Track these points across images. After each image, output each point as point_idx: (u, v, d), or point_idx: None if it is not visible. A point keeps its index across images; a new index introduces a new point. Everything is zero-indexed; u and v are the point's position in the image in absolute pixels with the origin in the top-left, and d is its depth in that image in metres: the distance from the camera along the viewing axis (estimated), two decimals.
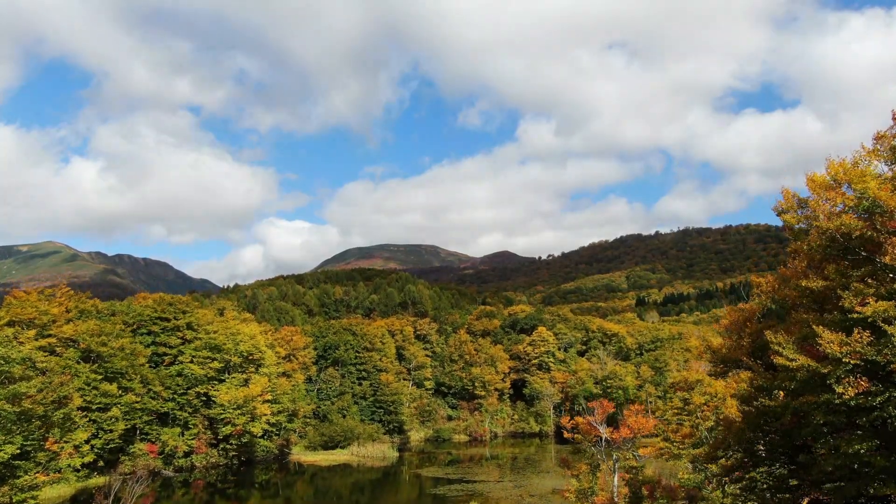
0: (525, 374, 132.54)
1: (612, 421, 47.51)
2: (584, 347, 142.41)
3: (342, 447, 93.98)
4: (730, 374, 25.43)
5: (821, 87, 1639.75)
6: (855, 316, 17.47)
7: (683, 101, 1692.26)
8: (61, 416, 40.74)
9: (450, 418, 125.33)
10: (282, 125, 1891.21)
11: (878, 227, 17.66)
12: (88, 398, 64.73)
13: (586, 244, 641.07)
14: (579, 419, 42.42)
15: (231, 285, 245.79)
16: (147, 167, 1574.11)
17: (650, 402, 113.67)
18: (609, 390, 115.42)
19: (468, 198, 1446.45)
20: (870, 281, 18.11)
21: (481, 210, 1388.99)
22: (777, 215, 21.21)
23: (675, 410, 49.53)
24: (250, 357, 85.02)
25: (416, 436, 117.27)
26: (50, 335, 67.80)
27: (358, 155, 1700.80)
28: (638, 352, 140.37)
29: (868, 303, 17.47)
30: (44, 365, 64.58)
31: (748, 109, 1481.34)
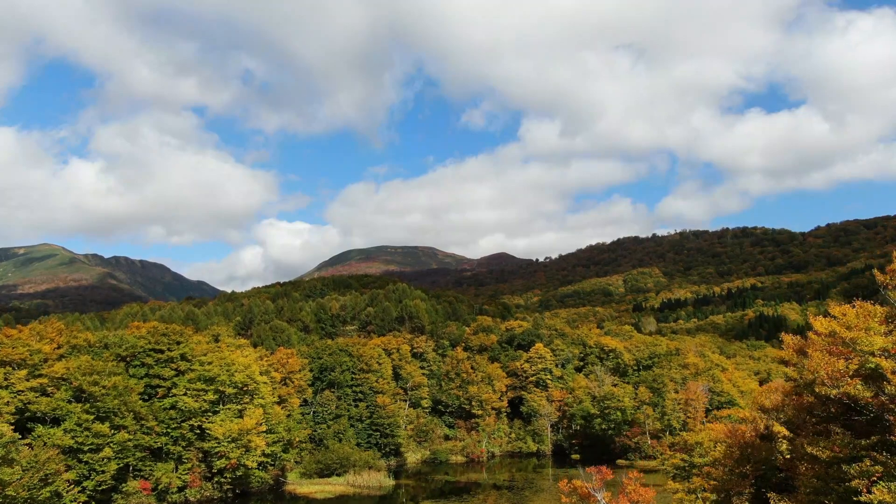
0: (522, 392, 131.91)
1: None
2: (581, 363, 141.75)
3: (338, 475, 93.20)
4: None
5: (827, 87, 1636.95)
6: (862, 500, 16.73)
7: (688, 102, 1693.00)
8: (48, 493, 39.91)
9: (447, 437, 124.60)
10: (287, 126, 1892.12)
11: (884, 393, 16.98)
12: (80, 440, 63.62)
13: (584, 246, 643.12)
14: (577, 483, 41.85)
15: (228, 291, 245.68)
16: (146, 168, 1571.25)
17: (647, 424, 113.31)
18: (607, 411, 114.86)
19: (470, 198, 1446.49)
20: (877, 455, 17.31)
21: (483, 211, 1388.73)
22: (780, 362, 20.49)
23: (676, 463, 49.02)
24: (245, 388, 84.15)
25: (413, 457, 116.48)
26: (41, 375, 66.89)
27: (362, 155, 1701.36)
28: (636, 368, 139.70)
29: (875, 485, 16.70)
30: (35, 407, 63.86)
31: (753, 109, 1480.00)
